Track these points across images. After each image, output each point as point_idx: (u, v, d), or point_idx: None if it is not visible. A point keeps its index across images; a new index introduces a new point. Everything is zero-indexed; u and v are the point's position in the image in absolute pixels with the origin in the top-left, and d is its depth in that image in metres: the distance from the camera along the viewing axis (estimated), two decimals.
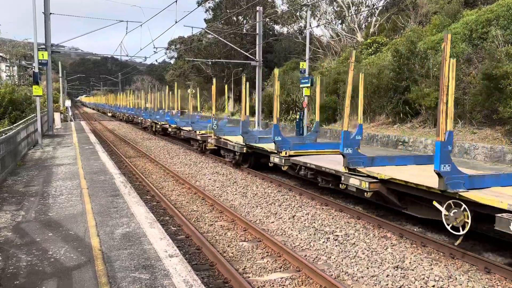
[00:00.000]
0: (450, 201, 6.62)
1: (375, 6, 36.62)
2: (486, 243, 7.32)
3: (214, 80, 18.40)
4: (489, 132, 16.46)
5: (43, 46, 24.99)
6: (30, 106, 25.30)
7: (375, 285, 5.88)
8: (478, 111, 17.23)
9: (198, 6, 43.62)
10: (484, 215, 6.38)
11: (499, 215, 5.83)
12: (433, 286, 5.83)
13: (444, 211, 6.68)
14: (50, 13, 25.41)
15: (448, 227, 6.66)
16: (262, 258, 6.92)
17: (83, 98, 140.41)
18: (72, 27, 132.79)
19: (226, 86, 25.04)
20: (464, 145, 15.73)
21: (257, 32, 29.67)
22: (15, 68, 50.75)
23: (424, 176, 7.75)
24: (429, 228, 8.27)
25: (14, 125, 17.55)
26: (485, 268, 6.33)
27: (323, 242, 7.61)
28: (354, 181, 8.50)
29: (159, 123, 28.50)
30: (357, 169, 8.67)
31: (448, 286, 5.82)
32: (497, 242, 7.22)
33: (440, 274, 6.13)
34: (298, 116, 24.49)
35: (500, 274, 6.17)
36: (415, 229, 8.16)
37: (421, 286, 5.82)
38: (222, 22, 45.78)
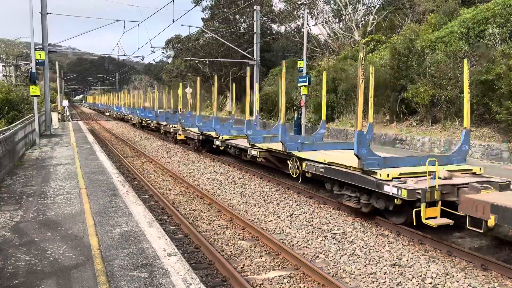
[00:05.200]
0: (292, 158, 11.52)
1: (372, 5, 36.64)
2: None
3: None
4: (486, 130, 16.52)
5: (40, 46, 24.95)
6: (27, 106, 25.26)
7: (373, 283, 5.92)
8: (475, 109, 17.27)
9: (195, 6, 43.45)
10: (307, 165, 10.32)
11: (310, 163, 10.22)
12: (430, 283, 5.87)
13: (290, 163, 11.63)
14: (47, 13, 25.38)
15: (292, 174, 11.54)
16: (260, 256, 6.95)
17: (89, 98, 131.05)
18: (69, 26, 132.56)
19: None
20: None
21: (255, 31, 29.69)
22: (12, 68, 50.53)
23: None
24: (428, 227, 8.30)
25: (12, 125, 17.53)
26: (481, 265, 6.38)
27: (321, 240, 7.64)
28: (253, 152, 13.14)
29: (144, 120, 33.17)
30: (255, 144, 13.40)
31: (445, 283, 5.86)
32: None
33: (437, 271, 6.17)
34: (296, 115, 24.48)
35: (497, 271, 6.22)
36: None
37: (418, 284, 5.86)
38: (219, 21, 45.65)
